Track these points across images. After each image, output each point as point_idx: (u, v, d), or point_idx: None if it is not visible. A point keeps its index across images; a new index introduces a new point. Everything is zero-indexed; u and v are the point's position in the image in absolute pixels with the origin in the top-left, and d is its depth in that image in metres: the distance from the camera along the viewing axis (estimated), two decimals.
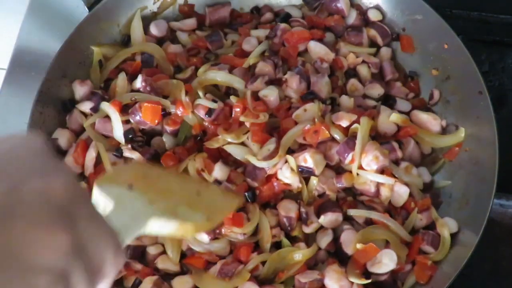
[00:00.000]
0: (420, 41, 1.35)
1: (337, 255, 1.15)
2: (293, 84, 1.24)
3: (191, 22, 1.41)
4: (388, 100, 1.29)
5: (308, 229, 1.15)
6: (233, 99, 1.23)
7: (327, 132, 1.17)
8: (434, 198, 1.21)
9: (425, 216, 1.17)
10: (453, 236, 1.15)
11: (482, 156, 1.18)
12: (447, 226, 1.16)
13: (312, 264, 1.14)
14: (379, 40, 1.36)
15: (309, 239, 1.17)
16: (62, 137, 1.25)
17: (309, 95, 1.24)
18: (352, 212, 1.16)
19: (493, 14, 1.49)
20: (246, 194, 1.16)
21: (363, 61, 1.33)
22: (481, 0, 1.52)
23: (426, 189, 1.22)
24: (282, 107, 1.24)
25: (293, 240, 1.16)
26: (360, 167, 1.17)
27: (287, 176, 1.16)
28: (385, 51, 1.36)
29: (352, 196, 1.20)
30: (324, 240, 1.14)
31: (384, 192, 1.17)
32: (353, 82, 1.30)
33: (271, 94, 1.23)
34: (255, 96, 1.24)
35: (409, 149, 1.23)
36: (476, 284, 1.22)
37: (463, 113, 1.24)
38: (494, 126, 1.15)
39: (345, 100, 1.25)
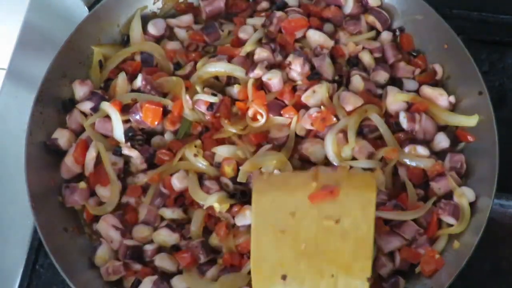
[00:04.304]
0: (420, 41, 1.35)
1: None
2: (297, 66, 1.24)
3: (188, 18, 1.40)
4: (394, 83, 1.29)
5: None
6: (236, 88, 1.24)
7: (334, 119, 1.19)
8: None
9: (442, 185, 1.17)
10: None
11: (482, 156, 1.18)
12: (465, 196, 1.15)
13: None
14: (378, 26, 1.36)
15: None
16: (62, 137, 1.26)
17: (315, 75, 1.24)
18: None
19: (493, 14, 1.50)
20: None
21: (364, 48, 1.33)
22: (481, 0, 1.52)
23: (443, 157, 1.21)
24: (285, 90, 1.24)
25: None
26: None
27: None
28: (385, 35, 1.36)
29: None
30: None
31: (379, 177, 1.17)
32: (357, 77, 1.28)
33: (274, 76, 1.23)
34: (256, 84, 1.25)
35: (422, 122, 1.22)
36: (476, 284, 1.22)
37: (463, 113, 1.24)
38: (494, 126, 1.16)
39: (358, 80, 1.25)
